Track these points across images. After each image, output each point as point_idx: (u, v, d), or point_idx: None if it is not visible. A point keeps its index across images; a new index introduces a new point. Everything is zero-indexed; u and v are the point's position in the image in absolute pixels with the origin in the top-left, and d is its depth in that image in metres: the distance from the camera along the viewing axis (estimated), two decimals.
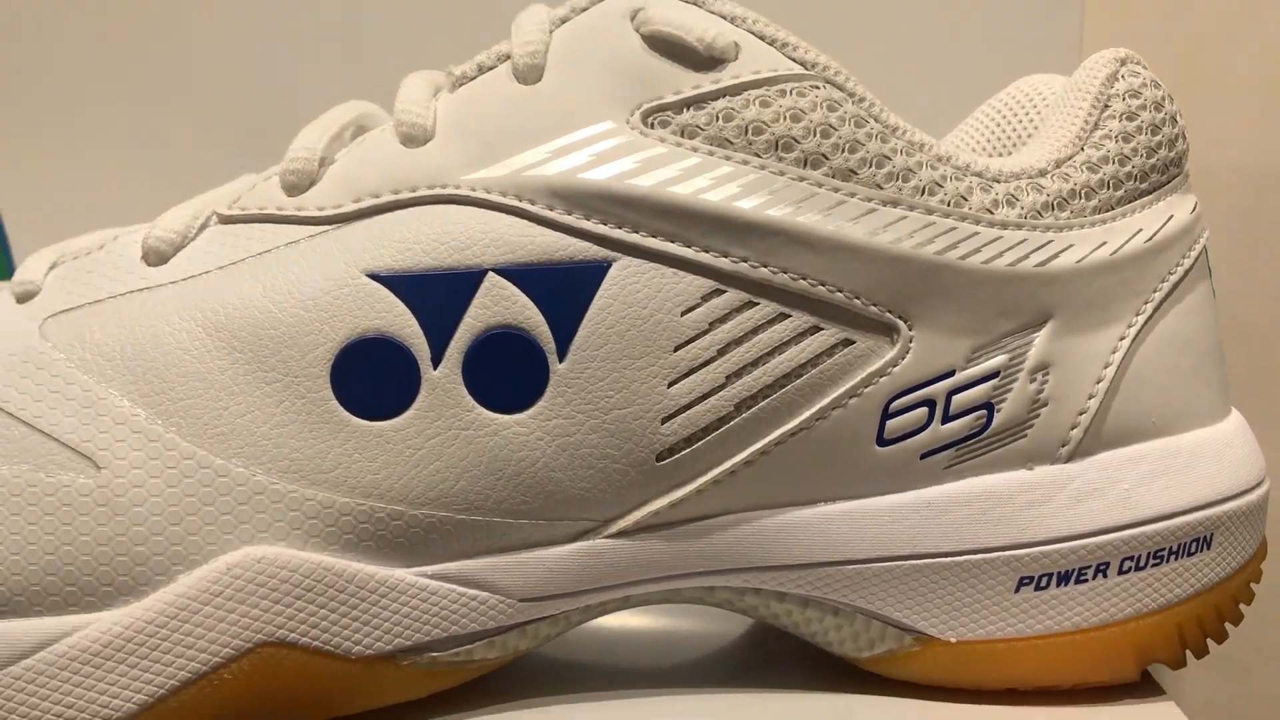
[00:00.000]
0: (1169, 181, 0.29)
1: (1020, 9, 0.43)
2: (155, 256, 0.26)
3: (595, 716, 0.26)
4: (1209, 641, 0.28)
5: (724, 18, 0.26)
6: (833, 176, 0.25)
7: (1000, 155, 0.31)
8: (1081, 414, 0.27)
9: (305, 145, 0.26)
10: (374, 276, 0.25)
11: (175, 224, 0.26)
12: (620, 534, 0.26)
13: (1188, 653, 0.28)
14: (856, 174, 0.26)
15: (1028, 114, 0.31)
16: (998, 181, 0.27)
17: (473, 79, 0.27)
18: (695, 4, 0.26)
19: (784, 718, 0.27)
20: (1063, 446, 0.27)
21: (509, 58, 0.27)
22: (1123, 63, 0.29)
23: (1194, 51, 0.53)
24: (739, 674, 0.29)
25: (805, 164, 0.25)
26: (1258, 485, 0.29)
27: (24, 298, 0.26)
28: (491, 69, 0.27)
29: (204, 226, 0.26)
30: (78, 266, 0.26)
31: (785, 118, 0.25)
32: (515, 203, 0.25)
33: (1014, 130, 0.31)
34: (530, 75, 0.26)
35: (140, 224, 0.27)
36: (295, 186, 0.26)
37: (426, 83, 0.27)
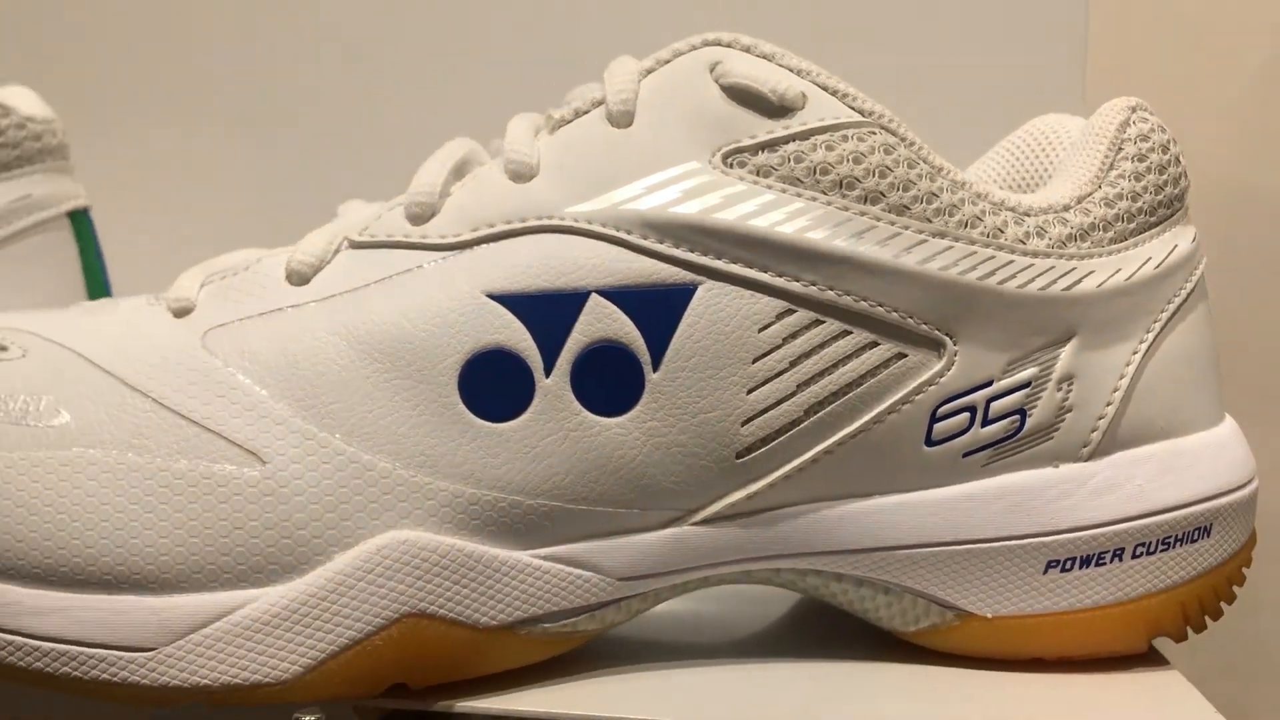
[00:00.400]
0: (1173, 215, 0.33)
1: (1024, 48, 0.47)
2: (297, 278, 0.29)
3: (663, 684, 0.30)
4: (1206, 618, 0.32)
5: (792, 71, 0.30)
6: (889, 211, 0.29)
7: (1020, 186, 0.35)
8: (1100, 419, 0.31)
9: (427, 181, 0.30)
10: (493, 296, 0.28)
11: (314, 249, 0.30)
12: (703, 522, 0.30)
13: (1188, 628, 0.32)
14: (909, 209, 0.30)
15: (1044, 151, 0.35)
16: (1028, 215, 0.31)
17: (570, 122, 0.31)
18: (767, 58, 0.30)
19: (822, 685, 0.30)
20: (1084, 447, 0.31)
21: (603, 104, 0.31)
22: (1134, 110, 0.33)
23: (1183, 76, 0.57)
24: (789, 647, 0.33)
25: (865, 200, 0.29)
26: (1249, 482, 0.33)
27: (181, 313, 0.29)
28: (586, 113, 0.31)
29: (338, 251, 0.30)
30: (227, 285, 0.30)
31: (848, 160, 0.29)
32: (614, 233, 0.29)
33: (1032, 165, 0.35)
34: (622, 120, 0.30)
35: (277, 248, 0.31)
36: (419, 217, 0.30)
37: (529, 124, 0.31)
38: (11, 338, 0.29)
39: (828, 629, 0.34)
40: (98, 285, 0.41)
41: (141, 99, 0.49)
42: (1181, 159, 0.33)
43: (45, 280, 0.39)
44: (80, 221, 0.41)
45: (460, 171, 0.31)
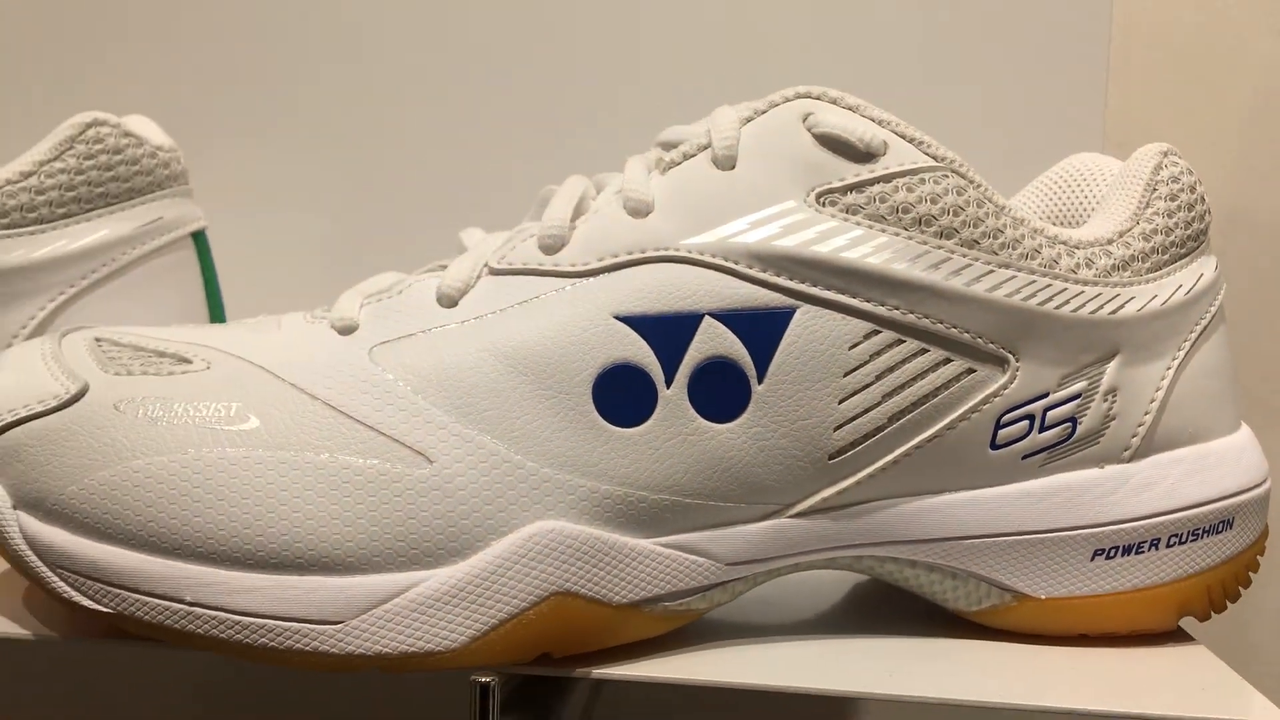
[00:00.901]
0: (1199, 247, 0.38)
1: (1047, 87, 0.52)
2: (447, 300, 0.34)
3: (760, 654, 0.34)
4: (1226, 601, 0.37)
5: (875, 121, 0.35)
6: (961, 245, 0.34)
7: (1060, 217, 0.40)
8: (1140, 426, 0.36)
9: (557, 215, 0.34)
10: (620, 318, 0.33)
11: (459, 276, 0.34)
12: (799, 515, 0.34)
13: (1211, 609, 0.37)
14: (979, 244, 0.34)
15: (1082, 187, 0.40)
16: (1078, 248, 0.36)
17: (679, 164, 0.35)
18: (852, 110, 0.35)
19: (886, 657, 0.35)
20: (1125, 451, 0.36)
21: (708, 148, 0.35)
22: (1165, 154, 0.38)
23: (1191, 113, 0.62)
24: (866, 625, 0.37)
25: (940, 235, 0.34)
26: (1264, 481, 0.38)
27: (346, 330, 0.33)
28: (693, 157, 0.35)
29: (479, 277, 0.34)
30: (383, 307, 0.34)
31: (926, 200, 0.34)
32: (723, 263, 0.33)
33: (1071, 199, 0.40)
34: (726, 163, 0.34)
35: (420, 272, 0.35)
36: (551, 248, 0.34)
37: (642, 165, 0.35)
38: (194, 351, 0.33)
39: (898, 609, 0.38)
40: (215, 301, 0.45)
41: (231, 124, 0.52)
42: (1205, 198, 0.38)
43: (173, 297, 0.43)
44: (201, 242, 0.44)
45: (580, 208, 0.35)
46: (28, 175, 0.41)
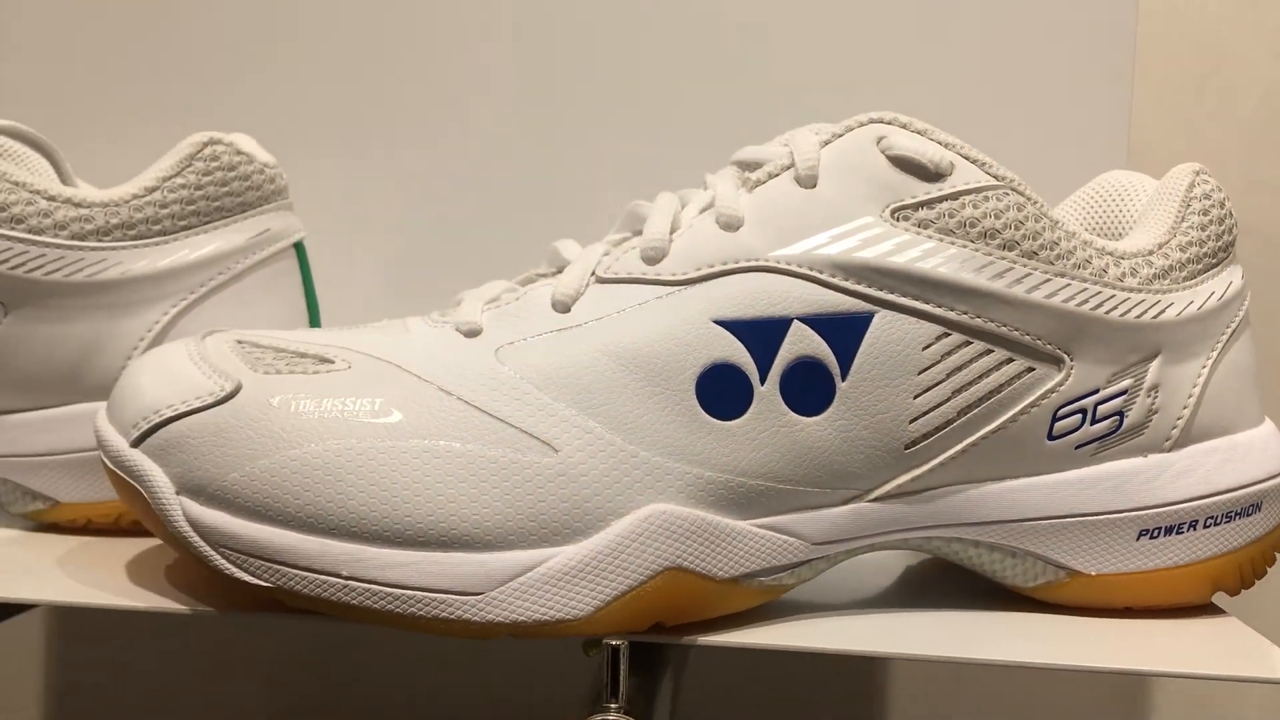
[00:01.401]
0: (1228, 257, 0.41)
1: (1071, 105, 0.56)
2: (561, 306, 0.37)
3: (841, 624, 0.38)
4: (1255, 577, 0.41)
5: (942, 144, 0.38)
6: (1022, 256, 0.38)
7: (1098, 228, 0.44)
8: (1179, 419, 0.39)
9: (658, 230, 0.38)
10: (718, 322, 0.36)
11: (571, 284, 0.38)
12: (876, 499, 0.38)
13: (1241, 585, 0.41)
14: (1037, 255, 0.38)
15: (1120, 201, 0.44)
16: (1123, 259, 0.39)
17: (764, 183, 0.39)
18: (921, 134, 0.39)
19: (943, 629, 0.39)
20: (1166, 441, 0.39)
21: (790, 168, 0.39)
22: (1197, 174, 0.42)
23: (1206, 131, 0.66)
24: (933, 599, 0.41)
25: (1003, 247, 0.38)
26: None
27: (471, 333, 0.37)
28: (777, 176, 0.39)
29: (588, 285, 0.38)
30: (503, 312, 0.38)
31: (990, 216, 0.38)
32: (809, 272, 0.37)
33: (1109, 212, 0.44)
34: (809, 182, 0.38)
35: (517, 281, 0.39)
36: (652, 259, 0.38)
37: (730, 183, 0.39)
38: (333, 353, 0.37)
39: (959, 586, 0.42)
40: (313, 306, 0.48)
41: (317, 143, 0.56)
42: (1234, 213, 0.42)
43: (278, 302, 0.47)
44: (301, 252, 0.48)
45: (674, 223, 0.39)
46: (151, 190, 0.44)
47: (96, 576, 0.39)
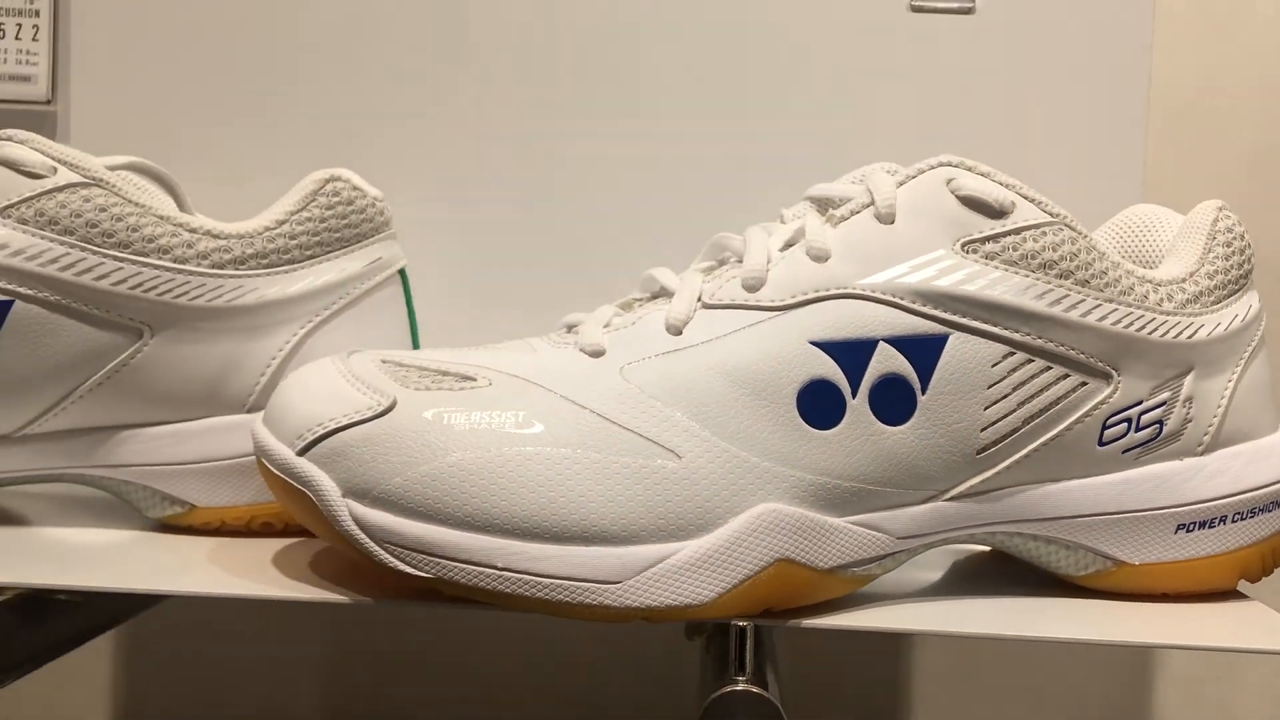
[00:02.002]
0: (1248, 284, 0.47)
1: (1091, 145, 0.61)
2: (674, 329, 0.42)
3: (917, 607, 0.43)
4: (1275, 566, 0.47)
5: (1004, 185, 0.44)
6: (1076, 284, 0.43)
7: (1130, 256, 0.49)
8: (1210, 427, 0.45)
9: (758, 261, 0.43)
10: (814, 343, 0.42)
11: (682, 309, 0.42)
12: (951, 499, 0.43)
13: (1263, 573, 0.46)
14: (1089, 283, 0.43)
15: (1148, 233, 0.49)
16: (1160, 286, 0.45)
17: (847, 219, 0.44)
18: (985, 175, 0.44)
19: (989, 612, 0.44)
20: (1199, 446, 0.45)
21: (870, 206, 0.44)
22: (1220, 209, 0.47)
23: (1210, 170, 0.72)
24: (994, 587, 0.46)
25: (1060, 276, 0.43)
26: None
27: (595, 354, 0.42)
28: (858, 213, 0.44)
29: (696, 311, 0.43)
30: (622, 335, 0.42)
31: (1048, 249, 0.43)
32: (891, 299, 0.42)
33: (1137, 243, 0.49)
34: (888, 218, 0.43)
35: (634, 303, 0.44)
36: (753, 287, 0.43)
37: (817, 220, 0.44)
38: (474, 371, 0.42)
39: (1015, 575, 0.47)
40: (414, 328, 0.53)
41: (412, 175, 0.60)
42: (1251, 245, 0.47)
43: (387, 325, 0.51)
44: (404, 278, 0.53)
45: (768, 255, 0.44)
46: (281, 223, 0.49)
47: (238, 571, 0.44)
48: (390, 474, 0.39)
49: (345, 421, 0.40)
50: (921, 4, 0.59)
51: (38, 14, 0.60)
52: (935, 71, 0.60)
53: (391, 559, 0.39)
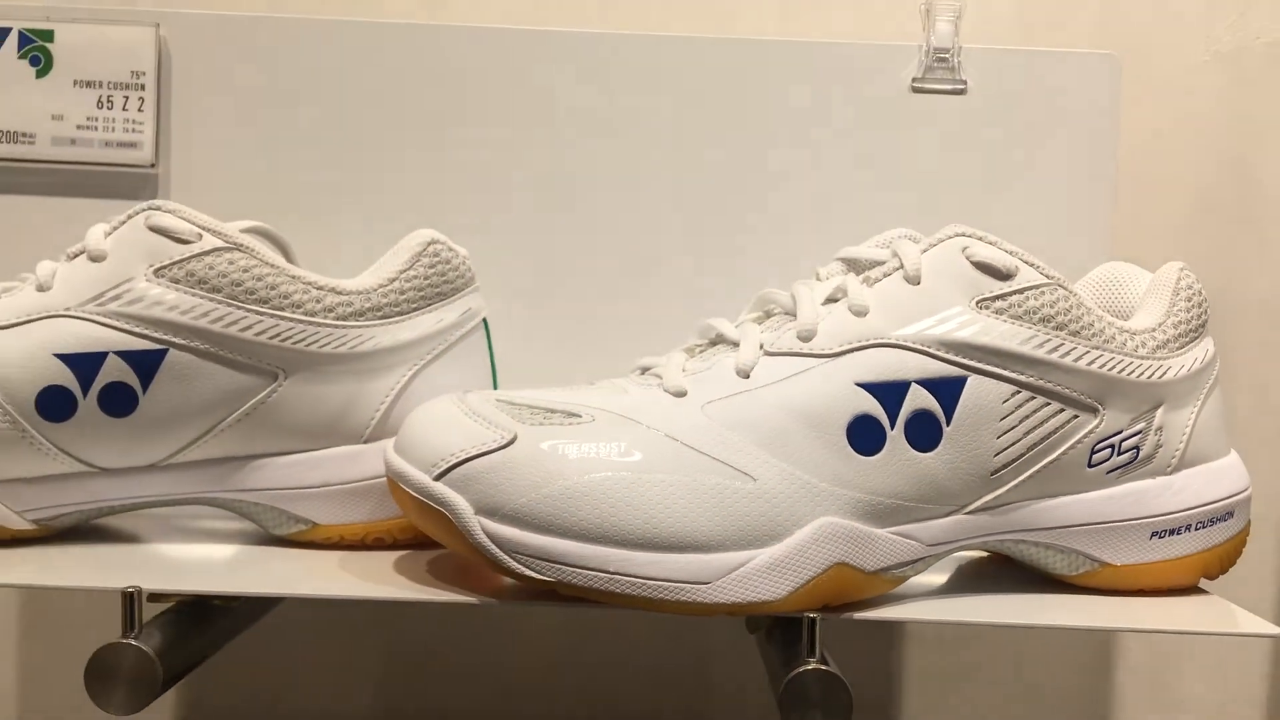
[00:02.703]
0: (1204, 332, 0.57)
1: (1067, 206, 0.71)
2: (742, 373, 0.51)
3: (938, 602, 0.52)
4: (1229, 566, 0.56)
5: (1009, 252, 0.53)
6: (1070, 334, 0.52)
7: (1102, 306, 0.59)
8: (1177, 451, 0.54)
9: (810, 316, 0.52)
10: (859, 385, 0.50)
11: (748, 356, 0.51)
12: (969, 512, 0.52)
13: (1219, 572, 0.56)
14: (1080, 333, 0.53)
15: (1119, 288, 0.59)
16: (1135, 334, 0.54)
17: (880, 280, 0.53)
18: (993, 244, 0.53)
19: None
20: (1168, 467, 0.54)
21: (900, 269, 0.53)
22: (1181, 269, 0.57)
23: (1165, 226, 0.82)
24: (999, 585, 0.55)
25: (1056, 328, 0.52)
26: (1248, 488, 0.57)
27: (678, 394, 0.50)
28: (890, 275, 0.53)
29: (759, 358, 0.51)
30: (699, 378, 0.51)
31: (1047, 305, 0.52)
32: (921, 348, 0.51)
33: (1110, 296, 0.59)
34: (915, 280, 0.52)
35: (696, 350, 0.52)
36: (806, 338, 0.51)
37: (855, 281, 0.53)
38: (577, 409, 0.50)
39: (1017, 574, 0.56)
40: (494, 370, 0.61)
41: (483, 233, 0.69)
42: (1207, 299, 0.57)
43: (474, 368, 0.60)
44: (486, 326, 0.61)
45: (818, 310, 0.53)
46: (392, 281, 0.57)
47: (356, 578, 0.52)
48: (516, 495, 0.48)
49: (475, 451, 0.48)
50: (921, 85, 0.69)
51: (144, 88, 0.67)
52: (932, 144, 0.70)
53: (519, 566, 0.47)
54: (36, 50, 0.67)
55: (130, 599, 0.46)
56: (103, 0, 0.70)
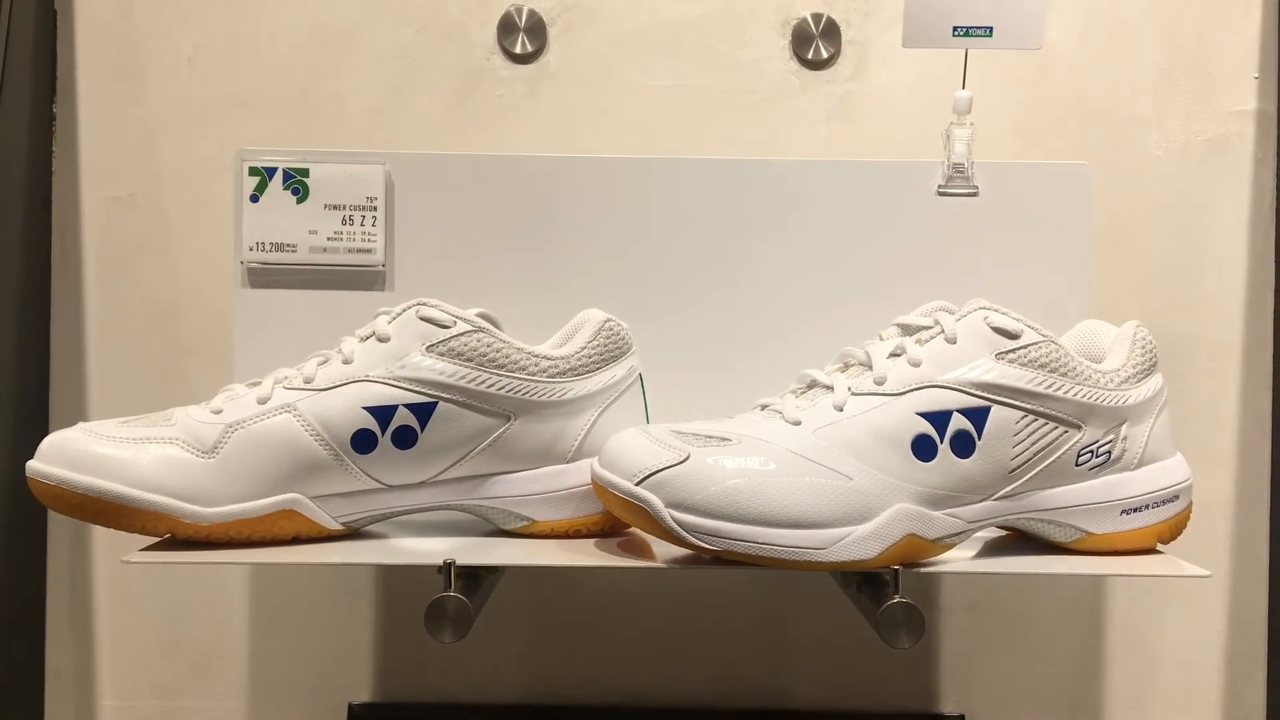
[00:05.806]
0: (1155, 369, 0.81)
1: (1046, 267, 0.95)
2: (838, 408, 0.75)
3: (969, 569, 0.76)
4: (1178, 533, 0.80)
5: (1017, 319, 0.77)
6: (1060, 376, 0.76)
7: (1081, 353, 0.83)
8: (1138, 454, 0.78)
9: (880, 368, 0.76)
10: (918, 414, 0.74)
11: (841, 396, 0.75)
12: (995, 500, 0.76)
13: (1171, 538, 0.80)
14: (1067, 375, 0.77)
15: (1094, 339, 0.83)
16: (1106, 373, 0.78)
17: (928, 341, 0.77)
18: (1005, 313, 0.77)
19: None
20: (1133, 465, 0.78)
21: (942, 333, 0.77)
22: (1137, 326, 0.81)
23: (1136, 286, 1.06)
24: (1012, 551, 0.79)
25: (1051, 372, 0.76)
26: (1189, 478, 0.81)
27: (795, 423, 0.74)
28: (935, 337, 0.77)
29: (849, 396, 0.75)
30: (808, 412, 0.75)
31: (1044, 356, 0.76)
32: (959, 388, 0.75)
33: (1088, 344, 0.83)
34: (952, 340, 0.76)
35: (801, 391, 0.77)
36: (880, 382, 0.75)
37: (910, 340, 0.77)
38: (726, 434, 0.74)
39: (1027, 543, 0.80)
40: (647, 411, 0.85)
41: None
42: (1156, 346, 0.81)
43: (634, 410, 0.83)
44: (641, 380, 0.85)
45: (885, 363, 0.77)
46: (583, 349, 0.81)
47: (567, 555, 0.76)
48: (694, 493, 0.71)
49: (663, 465, 0.72)
50: (945, 190, 0.93)
51: (376, 209, 0.92)
52: (952, 235, 0.94)
53: (698, 541, 0.71)
54: (296, 183, 0.91)
55: (449, 568, 0.70)
56: (344, 144, 0.95)
